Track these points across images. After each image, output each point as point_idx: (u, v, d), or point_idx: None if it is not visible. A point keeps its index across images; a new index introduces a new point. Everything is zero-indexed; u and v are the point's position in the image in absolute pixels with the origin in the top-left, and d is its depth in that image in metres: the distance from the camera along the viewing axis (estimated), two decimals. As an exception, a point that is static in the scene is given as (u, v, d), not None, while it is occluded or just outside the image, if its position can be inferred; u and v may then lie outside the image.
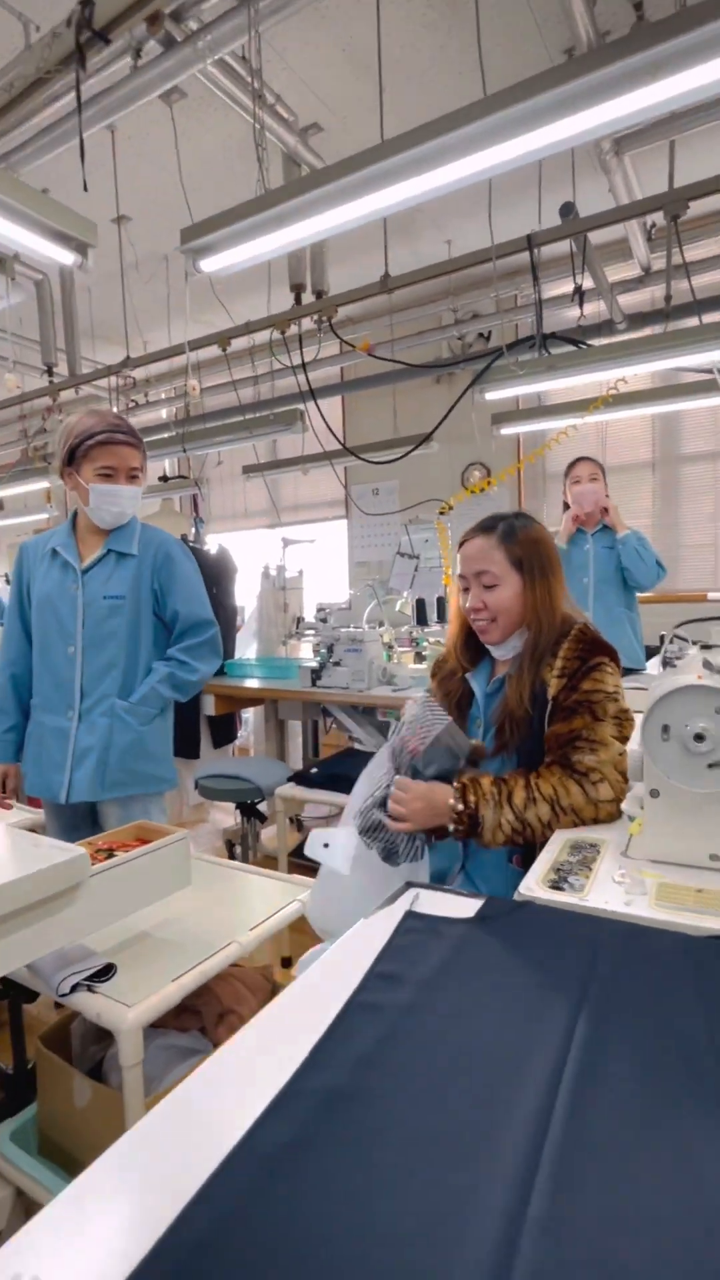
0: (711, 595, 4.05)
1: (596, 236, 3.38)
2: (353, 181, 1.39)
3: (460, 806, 1.11)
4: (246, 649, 3.88)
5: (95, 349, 5.12)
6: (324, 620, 3.23)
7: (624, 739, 1.15)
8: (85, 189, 1.62)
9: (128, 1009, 1.07)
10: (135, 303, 4.29)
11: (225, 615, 3.81)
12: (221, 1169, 0.45)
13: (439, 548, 4.00)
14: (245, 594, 4.12)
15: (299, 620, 3.74)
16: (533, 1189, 0.43)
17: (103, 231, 3.54)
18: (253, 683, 3.46)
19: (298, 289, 2.80)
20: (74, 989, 1.12)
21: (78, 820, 1.77)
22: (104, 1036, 1.50)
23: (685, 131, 2.65)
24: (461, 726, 1.32)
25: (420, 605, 3.36)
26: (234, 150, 3.19)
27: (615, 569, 2.91)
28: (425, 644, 3.35)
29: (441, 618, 3.39)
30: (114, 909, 1.18)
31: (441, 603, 3.42)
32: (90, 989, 1.13)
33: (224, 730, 3.73)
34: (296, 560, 3.96)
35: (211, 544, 3.95)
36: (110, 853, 1.24)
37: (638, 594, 3.01)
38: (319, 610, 3.34)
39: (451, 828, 1.12)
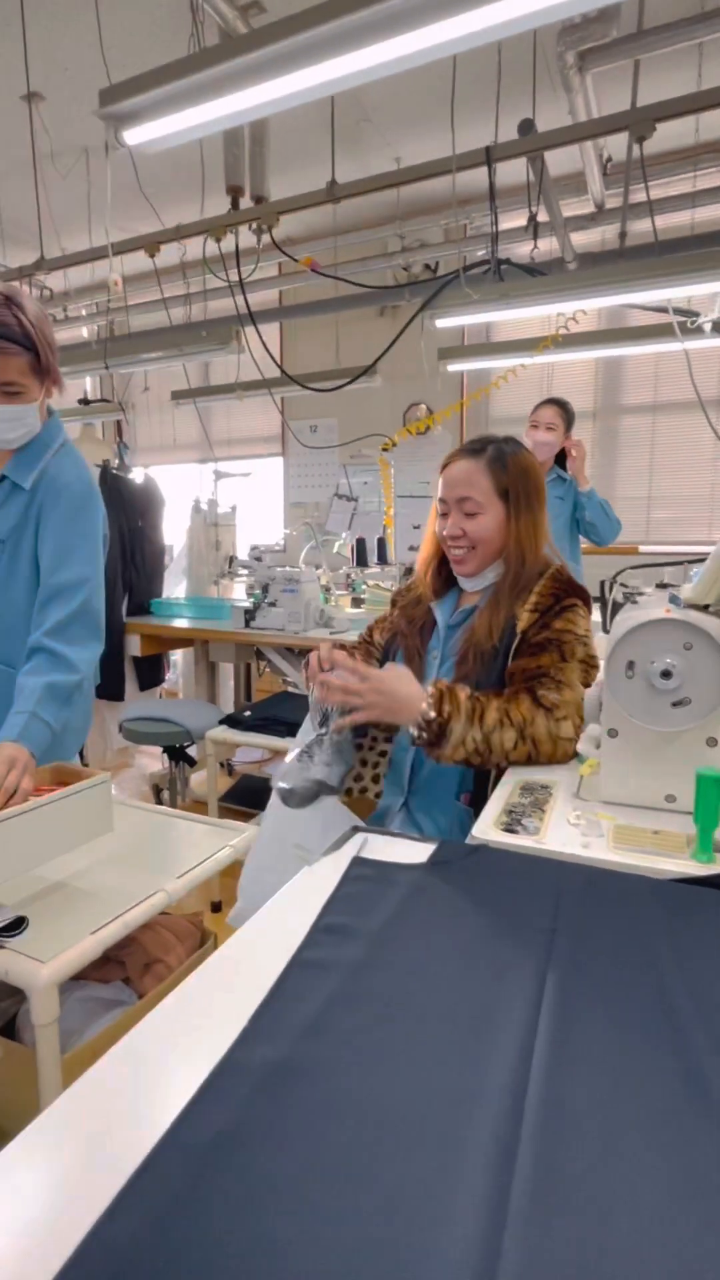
0: (643, 548, 4.13)
1: (553, 168, 3.24)
2: (298, 44, 1.22)
3: (433, 715, 1.03)
4: (175, 587, 3.69)
5: (5, 252, 4.61)
6: (259, 559, 3.09)
7: (587, 684, 1.11)
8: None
9: (41, 965, 0.97)
10: (52, 199, 3.85)
11: (152, 550, 3.60)
12: (144, 1168, 0.38)
13: (380, 491, 3.89)
14: (174, 530, 3.90)
15: (232, 559, 3.57)
16: (513, 1171, 0.37)
17: (11, 111, 3.14)
18: (182, 623, 3.30)
19: (235, 192, 2.54)
20: (-21, 945, 1.01)
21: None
22: (13, 993, 1.41)
23: (651, 52, 2.52)
24: (420, 657, 1.26)
25: (360, 546, 3.26)
26: (164, 24, 2.84)
27: (567, 519, 2.88)
28: (364, 587, 3.26)
29: (382, 559, 3.30)
30: (26, 857, 1.07)
31: (382, 544, 3.33)
32: (-2, 944, 1.02)
33: (151, 672, 3.56)
34: (230, 495, 3.77)
35: (137, 474, 3.69)
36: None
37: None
38: (253, 549, 3.19)
39: (416, 732, 1.04)
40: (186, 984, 0.54)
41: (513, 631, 1.14)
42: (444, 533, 1.23)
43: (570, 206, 3.52)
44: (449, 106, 2.69)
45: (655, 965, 0.54)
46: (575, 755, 1.06)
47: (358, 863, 0.73)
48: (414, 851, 0.76)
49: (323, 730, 1.15)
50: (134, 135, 1.43)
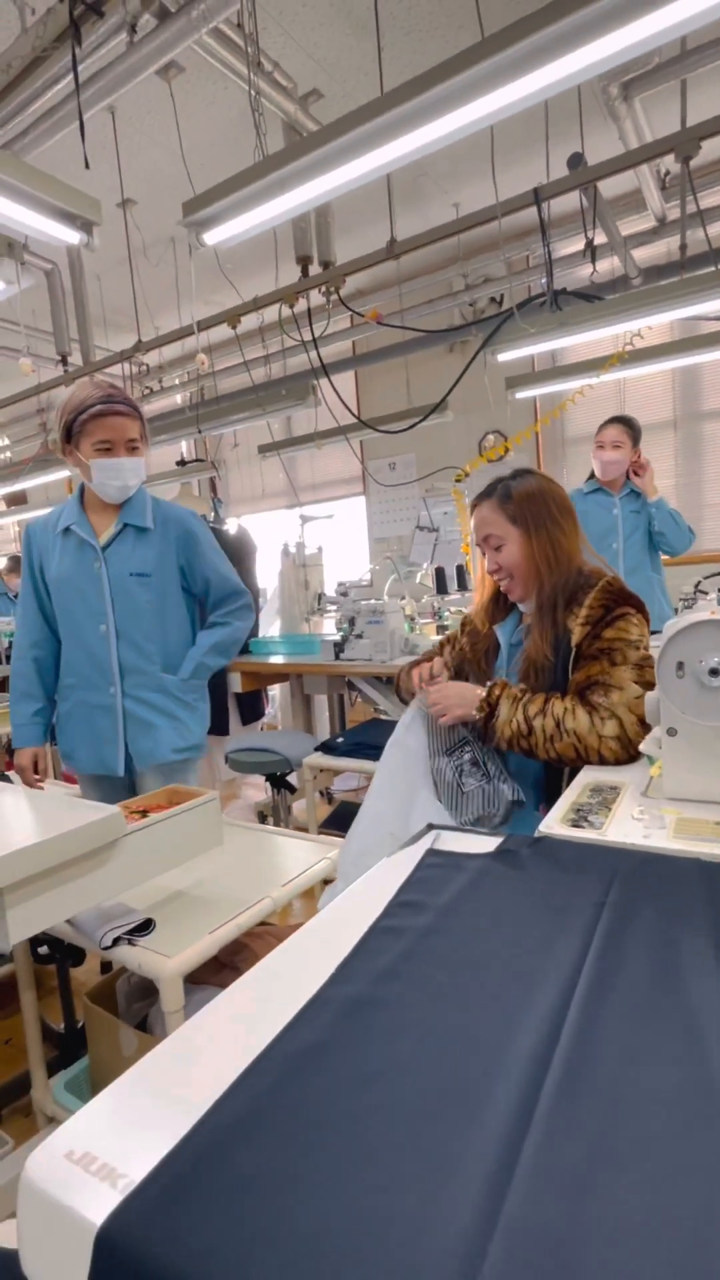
0: (737, 554, 3.97)
1: (609, 189, 3.30)
2: (352, 139, 1.39)
3: (484, 694, 1.25)
4: (270, 627, 3.92)
5: (108, 337, 5.14)
6: (345, 595, 3.25)
7: (647, 684, 1.16)
8: (87, 166, 1.62)
9: (167, 959, 1.12)
10: (145, 288, 4.31)
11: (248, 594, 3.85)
12: (254, 1065, 0.48)
13: (458, 520, 3.99)
14: (266, 573, 4.15)
15: (320, 596, 3.76)
16: (545, 1076, 0.45)
17: (109, 216, 3.56)
18: (277, 659, 3.50)
19: (304, 261, 2.78)
20: (115, 943, 1.17)
21: (117, 792, 1.82)
22: (147, 994, 1.56)
23: (696, 70, 2.56)
24: (488, 678, 1.37)
25: (440, 575, 3.36)
26: (236, 124, 3.17)
27: (644, 532, 2.87)
28: (447, 614, 3.35)
29: (462, 586, 3.39)
30: (150, 866, 1.23)
31: (461, 571, 3.41)
32: (131, 943, 1.18)
33: (252, 707, 3.78)
34: (316, 537, 3.98)
35: (230, 525, 3.98)
36: (144, 814, 1.29)
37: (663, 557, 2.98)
38: (340, 586, 3.36)
39: (476, 713, 1.25)
40: (288, 943, 0.65)
41: (568, 645, 1.21)
42: (486, 570, 1.39)
43: (632, 223, 3.55)
44: (502, 149, 2.83)
45: (692, 929, 0.60)
46: (630, 755, 1.11)
47: (431, 853, 0.82)
48: (483, 844, 0.84)
49: (465, 753, 1.28)
50: (213, 236, 1.65)
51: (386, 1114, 0.43)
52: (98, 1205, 0.38)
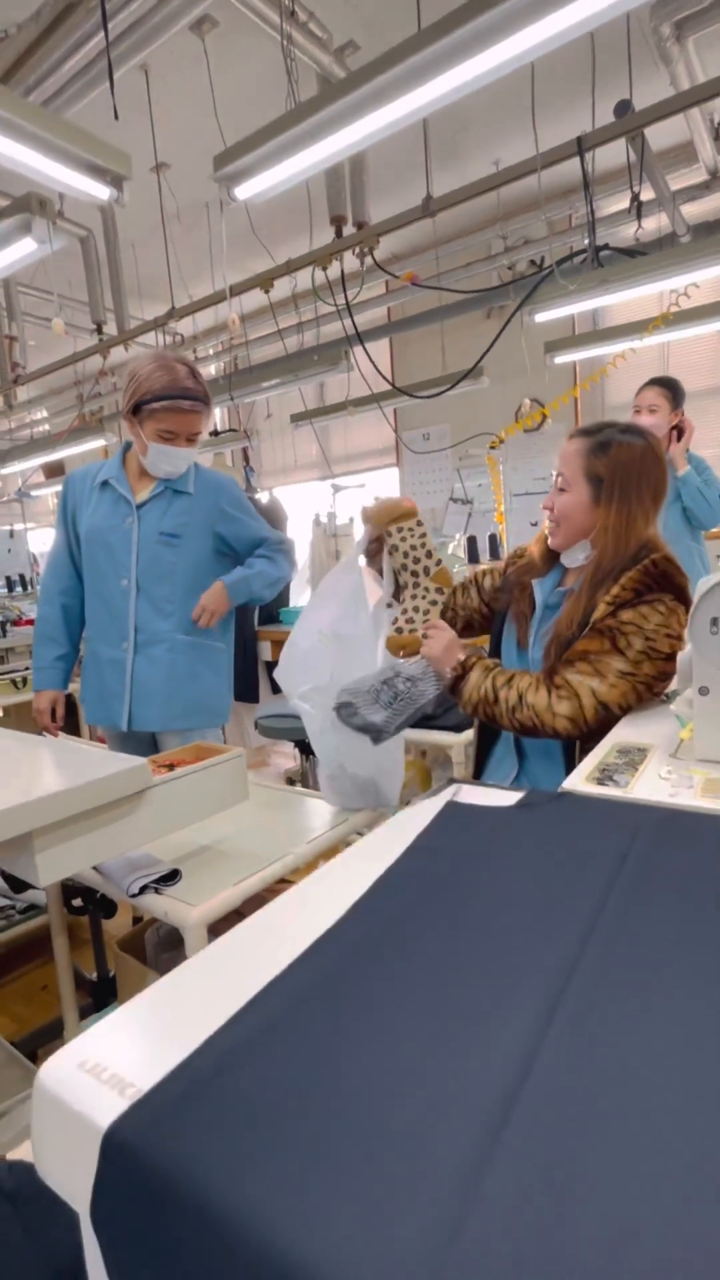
0: (786, 527, 3.82)
1: (657, 142, 3.14)
2: (387, 80, 1.34)
3: (462, 656, 1.27)
4: (300, 596, 3.92)
5: (143, 307, 5.14)
6: (376, 564, 3.23)
7: (640, 678, 1.13)
8: (116, 117, 1.60)
9: (192, 908, 1.14)
10: (179, 255, 4.27)
11: (279, 564, 3.85)
12: (264, 991, 0.49)
13: (493, 491, 3.92)
14: (297, 544, 4.15)
15: (351, 567, 3.75)
16: (554, 1015, 0.45)
17: (143, 181, 3.54)
18: (308, 629, 3.51)
19: (338, 220, 2.72)
20: (142, 890, 1.19)
21: (141, 749, 1.86)
22: (173, 945, 1.60)
23: (756, 7, 2.41)
24: (526, 620, 1.36)
25: (472, 544, 3.32)
26: (270, 80, 3.09)
27: (678, 499, 2.77)
28: (479, 585, 3.31)
29: (494, 555, 3.34)
30: (176, 818, 1.24)
31: (494, 540, 3.36)
32: (158, 891, 1.20)
33: (282, 677, 3.80)
34: (347, 508, 3.96)
35: (263, 495, 3.98)
36: (171, 768, 1.31)
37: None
38: (371, 556, 3.33)
39: (449, 672, 1.26)
40: (301, 885, 0.65)
41: (587, 620, 1.17)
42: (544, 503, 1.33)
43: (682, 177, 3.39)
44: (545, 101, 2.71)
45: (715, 885, 0.58)
46: (579, 735, 1.14)
47: (450, 805, 0.81)
48: (504, 798, 0.83)
49: (395, 677, 1.29)
50: (244, 190, 1.62)
51: (392, 1041, 0.43)
52: (105, 1110, 0.39)
